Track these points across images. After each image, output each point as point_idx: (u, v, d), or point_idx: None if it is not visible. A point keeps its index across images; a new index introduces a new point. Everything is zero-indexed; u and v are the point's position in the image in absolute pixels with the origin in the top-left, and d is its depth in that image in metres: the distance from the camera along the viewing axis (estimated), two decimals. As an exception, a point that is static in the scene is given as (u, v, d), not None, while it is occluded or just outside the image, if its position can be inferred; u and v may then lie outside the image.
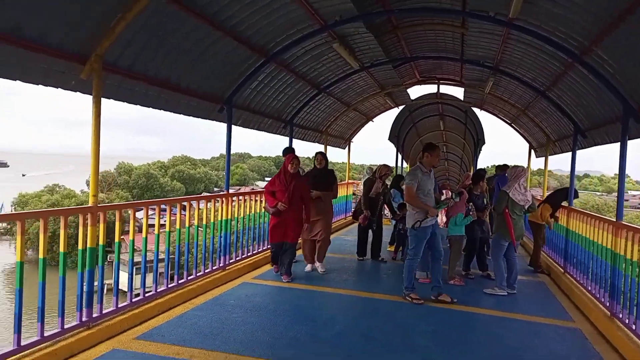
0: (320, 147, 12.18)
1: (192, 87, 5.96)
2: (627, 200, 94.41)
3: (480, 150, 13.76)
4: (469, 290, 6.44)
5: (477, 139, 14.01)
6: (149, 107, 5.32)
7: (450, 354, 4.22)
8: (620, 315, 4.84)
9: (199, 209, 6.24)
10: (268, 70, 7.19)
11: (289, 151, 7.32)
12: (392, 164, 14.41)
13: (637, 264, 4.59)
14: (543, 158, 11.11)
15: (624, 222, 5.11)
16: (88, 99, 4.24)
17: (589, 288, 6.01)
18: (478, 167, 13.94)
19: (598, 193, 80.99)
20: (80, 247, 4.12)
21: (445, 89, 12.59)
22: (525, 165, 13.19)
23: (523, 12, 5.40)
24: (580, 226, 6.63)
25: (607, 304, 5.24)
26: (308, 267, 7.05)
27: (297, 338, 4.38)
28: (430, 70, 11.68)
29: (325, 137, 12.03)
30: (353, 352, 4.13)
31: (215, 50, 5.76)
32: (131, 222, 4.97)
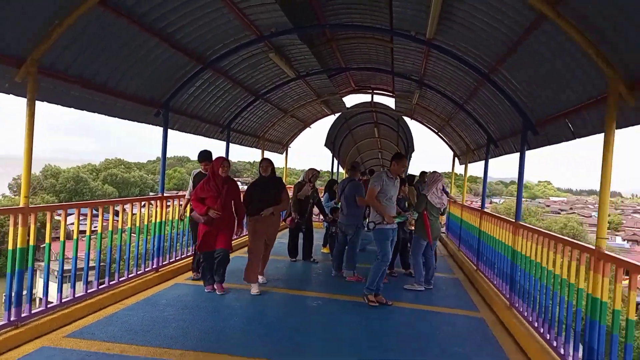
0: (257, 152, 12.45)
1: (129, 91, 6.05)
2: (548, 205, 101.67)
3: (411, 157, 14.56)
4: (391, 287, 6.94)
5: (408, 147, 14.83)
6: (83, 109, 5.39)
7: (371, 340, 4.64)
8: (517, 305, 5.52)
9: (132, 213, 6.30)
10: (205, 76, 7.38)
11: (205, 156, 6.61)
12: (328, 169, 14.91)
13: (532, 260, 5.25)
14: (473, 164, 12.02)
15: (521, 223, 5.80)
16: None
17: (495, 282, 6.72)
18: (409, 173, 14.76)
19: (523, 199, 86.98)
20: (10, 247, 4.15)
21: (379, 98, 13.30)
22: (450, 171, 14.19)
23: (439, 33, 6.02)
24: (489, 227, 7.36)
25: (507, 296, 5.93)
26: (256, 289, 6.13)
27: (227, 332, 4.63)
28: (364, 80, 12.31)
29: (262, 142, 12.30)
30: (281, 343, 4.45)
31: (153, 56, 5.90)
32: (62, 222, 4.99)
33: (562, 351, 4.08)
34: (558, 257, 4.39)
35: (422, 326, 5.23)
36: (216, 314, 5.17)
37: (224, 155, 6.14)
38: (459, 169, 13.30)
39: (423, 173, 10.34)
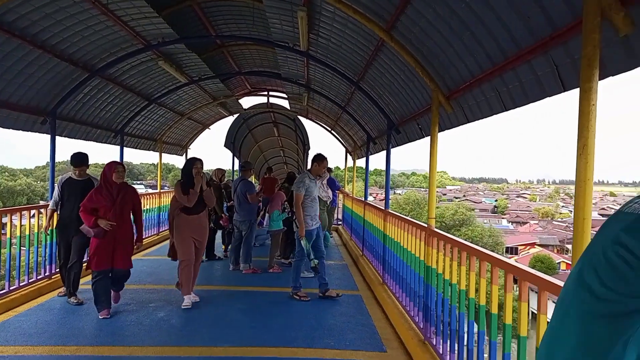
0: (155, 155, 12.53)
1: (13, 100, 6.08)
2: (445, 194, 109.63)
3: (308, 154, 15.41)
4: (286, 276, 7.64)
5: (305, 144, 15.67)
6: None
7: (255, 322, 5.26)
8: (387, 282, 6.47)
9: (21, 224, 6.20)
10: (94, 83, 7.50)
11: (80, 160, 5.77)
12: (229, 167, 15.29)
13: (396, 241, 6.18)
14: (376, 157, 13.08)
15: (389, 210, 6.76)
16: None
17: (373, 264, 7.67)
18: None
19: (422, 189, 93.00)
20: None
21: (276, 99, 13.98)
22: (343, 167, 15.23)
23: (313, 45, 6.78)
24: (370, 216, 8.33)
25: (380, 274, 6.88)
26: (189, 302, 5.73)
27: (123, 327, 4.99)
28: (259, 82, 12.90)
29: (160, 145, 12.39)
30: (173, 330, 4.91)
31: (37, 67, 6.00)
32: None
33: (412, 314, 5.02)
34: (410, 236, 5.33)
35: (305, 306, 5.98)
36: (112, 312, 5.46)
37: (117, 160, 5.69)
38: (362, 162, 14.36)
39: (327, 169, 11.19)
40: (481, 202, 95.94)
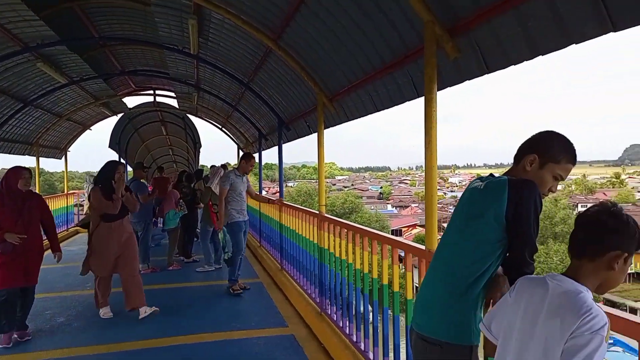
0: (31, 160, 11.69)
1: None
2: (334, 184, 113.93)
3: (199, 152, 15.42)
4: (186, 271, 7.84)
5: (195, 142, 15.64)
6: None
7: (166, 315, 5.48)
8: (286, 267, 7.04)
9: None
10: (-40, 86, 6.95)
11: None
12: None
13: (292, 229, 6.73)
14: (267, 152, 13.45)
15: (284, 201, 7.31)
16: None
17: (272, 253, 8.19)
18: (199, 166, 15.64)
19: (313, 180, 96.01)
20: None
21: (163, 98, 13.75)
22: (235, 163, 15.50)
23: (203, 48, 7.04)
24: (266, 207, 8.82)
25: (279, 261, 7.43)
26: (105, 312, 5.47)
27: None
28: (144, 81, 12.62)
29: (36, 149, 11.60)
30: (75, 327, 4.96)
31: None
32: None
33: (310, 292, 5.64)
34: (304, 223, 5.93)
35: (211, 297, 6.32)
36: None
37: (22, 165, 4.84)
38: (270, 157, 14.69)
39: (212, 167, 11.37)
40: (368, 190, 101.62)
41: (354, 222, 4.49)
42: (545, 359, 1.41)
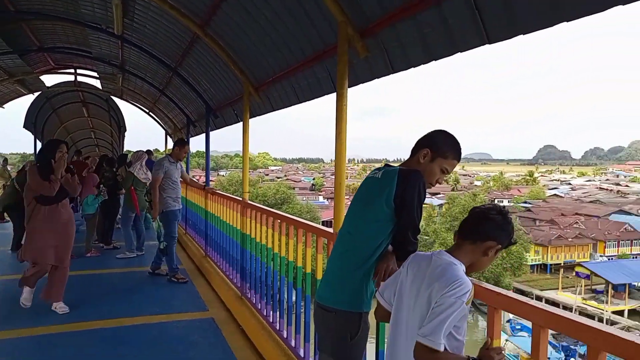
0: None
1: None
2: (267, 174, 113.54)
3: (124, 136, 14.86)
4: (106, 258, 7.64)
5: (120, 126, 15.05)
6: None
7: (96, 299, 5.41)
8: (210, 254, 7.08)
9: None
10: None
11: None
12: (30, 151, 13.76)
13: (216, 215, 6.78)
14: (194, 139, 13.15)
15: (211, 188, 7.32)
16: None
17: (196, 240, 8.18)
18: (125, 151, 15.05)
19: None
20: None
21: (85, 78, 13.04)
22: (163, 149, 15.13)
23: (128, 29, 6.85)
24: (190, 194, 8.77)
25: (203, 248, 7.45)
26: (29, 297, 5.02)
27: None
28: (65, 59, 11.91)
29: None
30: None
31: None
32: None
33: (231, 277, 5.75)
34: (229, 210, 6.02)
35: (133, 283, 6.26)
36: None
37: None
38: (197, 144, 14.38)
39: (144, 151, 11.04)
40: (301, 181, 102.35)
41: (285, 213, 4.66)
42: (423, 321, 1.70)
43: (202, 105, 8.19)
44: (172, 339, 4.41)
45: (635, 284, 36.86)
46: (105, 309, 5.16)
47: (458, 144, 2.12)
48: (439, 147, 2.09)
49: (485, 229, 1.77)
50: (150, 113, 13.95)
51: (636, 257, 44.47)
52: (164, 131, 14.37)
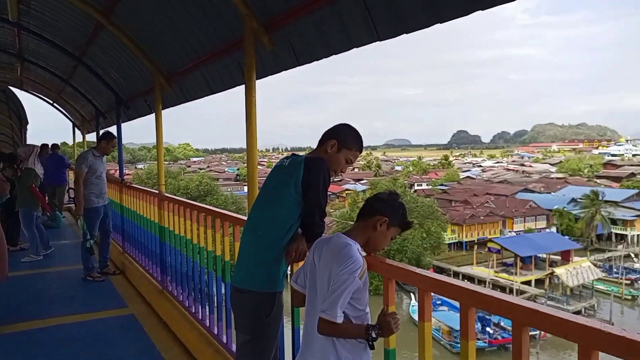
0: None
1: None
2: (189, 166, 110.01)
3: (26, 129, 13.78)
4: (11, 261, 7.14)
5: (21, 119, 13.93)
6: None
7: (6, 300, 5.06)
8: (126, 249, 6.88)
9: None
10: None
11: None
12: None
13: (133, 210, 6.59)
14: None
15: (125, 182, 7.09)
16: None
17: (116, 239, 7.89)
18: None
19: (166, 162, 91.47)
20: None
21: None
22: (71, 142, 14.26)
23: (25, 15, 6.39)
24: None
25: (120, 244, 7.22)
26: None
27: None
28: (-50, 46, 10.79)
29: None
30: None
31: None
32: None
33: (151, 271, 5.66)
34: (145, 204, 5.88)
35: (44, 284, 5.97)
36: None
37: None
38: (93, 137, 13.55)
39: (44, 145, 10.32)
40: (224, 172, 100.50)
41: (209, 205, 4.65)
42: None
43: (111, 96, 7.85)
44: (90, 337, 4.31)
45: (540, 255, 40.56)
46: (15, 313, 4.89)
47: (360, 137, 2.33)
48: (344, 139, 2.27)
49: (373, 206, 1.99)
50: (55, 104, 13.06)
51: (540, 231, 48.86)
52: (71, 123, 13.53)
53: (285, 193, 2.22)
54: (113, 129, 7.86)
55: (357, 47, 2.49)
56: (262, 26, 3.05)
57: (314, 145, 2.33)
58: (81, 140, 12.86)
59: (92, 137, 12.55)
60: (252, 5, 3.02)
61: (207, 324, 4.03)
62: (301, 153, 2.48)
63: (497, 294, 1.64)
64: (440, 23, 1.98)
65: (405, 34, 2.18)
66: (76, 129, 13.35)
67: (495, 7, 1.80)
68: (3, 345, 4.12)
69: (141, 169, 75.80)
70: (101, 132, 6.44)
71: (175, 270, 4.85)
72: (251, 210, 2.45)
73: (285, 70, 3.22)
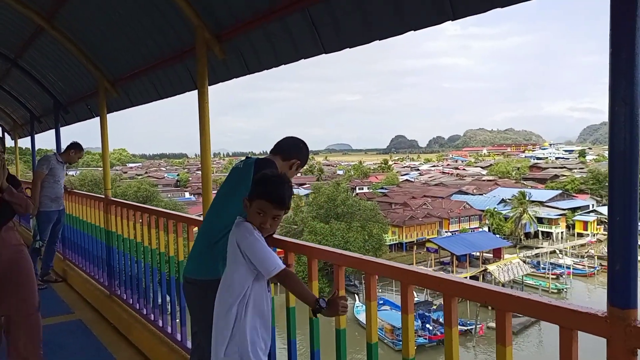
0: None
1: None
2: (126, 172, 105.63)
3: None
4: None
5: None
6: None
7: None
8: (70, 257, 6.72)
9: None
10: None
11: None
12: None
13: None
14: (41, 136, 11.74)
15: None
16: None
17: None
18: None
19: (100, 168, 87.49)
20: None
21: None
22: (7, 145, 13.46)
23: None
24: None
25: (61, 252, 7.03)
26: None
27: None
28: None
29: None
30: None
31: None
32: None
33: (97, 276, 5.60)
34: (89, 209, 5.81)
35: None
36: None
37: None
38: (26, 142, 12.79)
39: None
40: (164, 178, 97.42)
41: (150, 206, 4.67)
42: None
43: (48, 100, 7.62)
44: (43, 345, 4.23)
45: (474, 253, 42.73)
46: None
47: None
48: (304, 159, 2.60)
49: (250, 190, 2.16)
50: (-18, 108, 12.32)
51: (473, 231, 51.47)
52: (0, 128, 12.80)
53: (239, 192, 2.43)
54: (51, 133, 7.64)
55: (304, 58, 2.75)
56: (214, 37, 3.24)
57: (256, 151, 2.60)
58: (12, 145, 12.23)
59: (25, 142, 11.98)
60: (204, 17, 3.20)
61: (160, 324, 4.10)
62: (243, 158, 2.70)
63: (432, 274, 1.95)
64: (379, 40, 2.28)
65: (348, 48, 2.46)
66: (6, 134, 12.65)
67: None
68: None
69: (73, 175, 71.90)
70: (70, 142, 6.45)
71: (124, 274, 4.87)
72: (208, 209, 2.63)
73: (236, 77, 3.42)
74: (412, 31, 2.11)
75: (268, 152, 2.65)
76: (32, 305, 3.23)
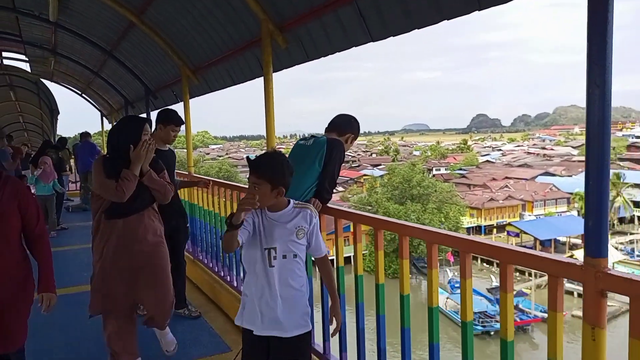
0: None
1: None
2: (208, 153, 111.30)
3: (57, 119, 14.61)
4: (61, 237, 7.91)
5: (52, 110, 14.75)
6: None
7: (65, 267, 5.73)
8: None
9: None
10: None
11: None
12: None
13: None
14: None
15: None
16: None
17: None
18: (59, 135, 14.86)
19: (184, 150, 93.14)
20: None
21: (12, 61, 12.69)
22: (100, 130, 15.00)
23: (63, 14, 7.02)
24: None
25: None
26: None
27: None
28: (-12, 42, 11.56)
29: None
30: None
31: None
32: None
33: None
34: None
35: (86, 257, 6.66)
36: None
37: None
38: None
39: (84, 134, 11.02)
40: (243, 159, 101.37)
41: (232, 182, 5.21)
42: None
43: (140, 87, 8.48)
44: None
45: (560, 238, 40.49)
46: (67, 279, 5.59)
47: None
48: (357, 133, 2.93)
49: None
50: (84, 95, 13.82)
51: (560, 215, 48.64)
52: (99, 113, 14.30)
53: (311, 165, 2.76)
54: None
55: (355, 46, 3.03)
56: (277, 28, 3.60)
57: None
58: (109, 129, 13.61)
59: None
60: (268, 11, 3.57)
61: (235, 285, 4.64)
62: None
63: (488, 242, 2.10)
64: (418, 29, 2.50)
65: (392, 37, 2.70)
66: (104, 118, 14.10)
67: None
68: (58, 305, 4.78)
69: (162, 156, 77.14)
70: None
71: (204, 242, 5.48)
72: None
73: (298, 64, 3.76)
74: (446, 20, 2.30)
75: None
76: (168, 292, 3.07)
